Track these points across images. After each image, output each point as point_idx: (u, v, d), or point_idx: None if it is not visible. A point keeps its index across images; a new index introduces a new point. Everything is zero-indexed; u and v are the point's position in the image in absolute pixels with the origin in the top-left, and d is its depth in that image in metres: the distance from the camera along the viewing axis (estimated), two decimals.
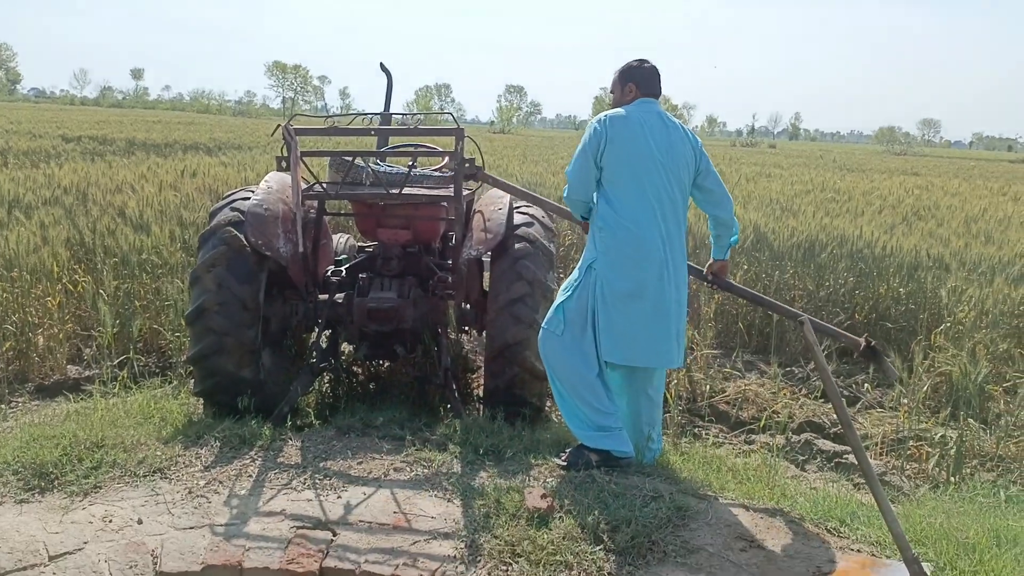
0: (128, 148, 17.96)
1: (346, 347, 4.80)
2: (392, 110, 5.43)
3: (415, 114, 6.03)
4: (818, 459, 4.53)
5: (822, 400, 5.22)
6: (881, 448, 4.54)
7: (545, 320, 3.61)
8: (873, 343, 3.41)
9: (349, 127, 4.63)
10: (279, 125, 4.22)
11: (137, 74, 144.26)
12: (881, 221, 7.73)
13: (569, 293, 3.51)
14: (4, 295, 5.23)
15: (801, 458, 4.53)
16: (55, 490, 3.10)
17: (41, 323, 5.27)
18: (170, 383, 4.76)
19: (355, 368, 4.89)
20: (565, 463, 3.48)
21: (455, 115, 4.83)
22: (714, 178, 3.61)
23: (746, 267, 6.56)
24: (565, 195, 3.65)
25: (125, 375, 4.76)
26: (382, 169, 4.56)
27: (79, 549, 2.72)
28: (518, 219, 4.43)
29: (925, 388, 4.85)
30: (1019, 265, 6.02)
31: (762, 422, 4.73)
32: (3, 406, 4.68)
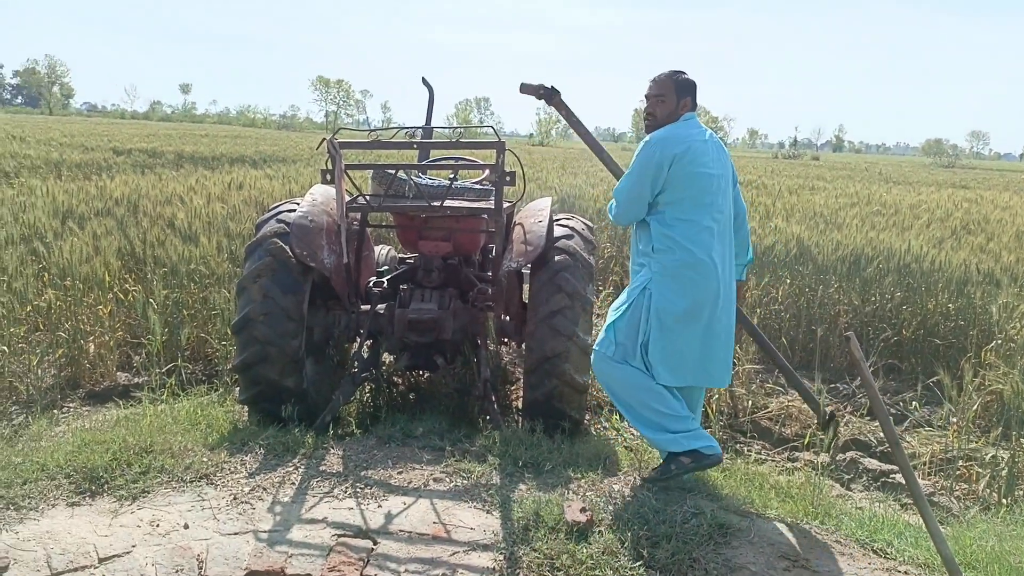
0: (177, 161, 18.41)
1: (387, 358, 4.84)
2: (433, 123, 5.50)
3: (457, 127, 6.08)
4: (864, 478, 4.44)
5: (868, 418, 5.11)
6: (929, 468, 4.43)
7: (596, 342, 3.59)
8: (835, 416, 3.32)
9: (392, 140, 4.68)
10: (324, 139, 4.30)
11: (185, 89, 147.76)
12: (929, 235, 7.56)
13: (620, 313, 3.49)
14: (58, 303, 5.39)
15: (847, 477, 4.44)
16: (105, 494, 3.18)
17: (92, 331, 5.41)
18: (216, 391, 4.85)
19: (396, 379, 4.94)
20: (660, 475, 3.44)
21: (495, 128, 4.86)
22: (739, 193, 3.64)
23: (789, 281, 6.47)
24: (612, 214, 3.65)
25: (173, 382, 4.86)
26: (424, 182, 4.61)
27: (127, 552, 2.79)
28: (558, 231, 4.44)
29: (975, 407, 4.72)
30: None
31: (806, 440, 4.64)
32: (56, 411, 4.81)
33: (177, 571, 2.71)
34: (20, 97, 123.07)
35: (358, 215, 4.70)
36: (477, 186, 4.81)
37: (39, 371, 5.09)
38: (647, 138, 3.49)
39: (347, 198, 4.43)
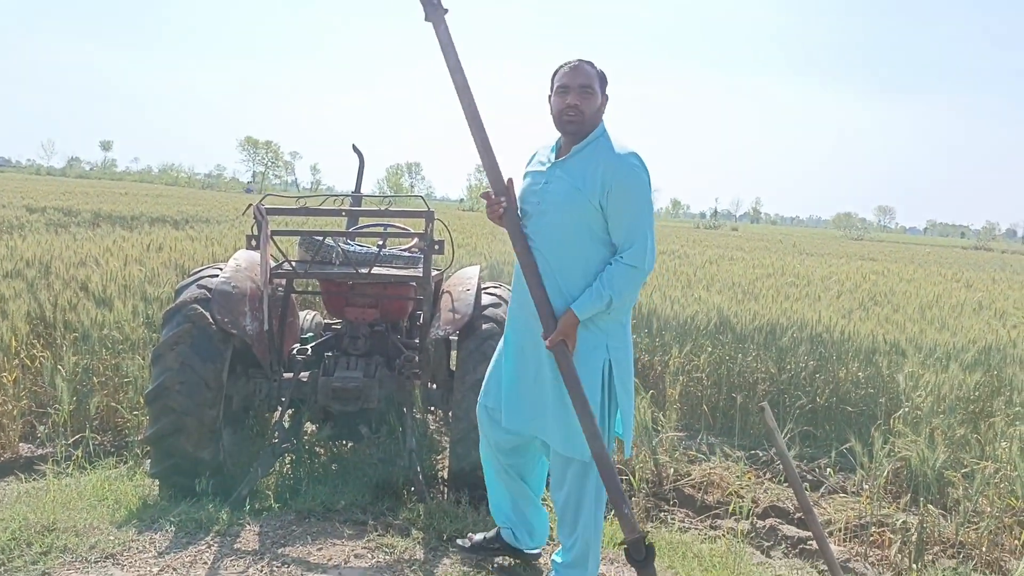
0: (94, 220, 17.85)
1: (309, 427, 4.73)
2: (363, 190, 5.53)
3: (387, 196, 6.12)
4: (783, 545, 4.51)
5: (786, 484, 5.23)
6: (844, 534, 4.55)
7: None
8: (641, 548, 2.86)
9: (320, 207, 4.68)
10: (250, 204, 4.27)
11: (106, 146, 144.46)
12: (839, 306, 7.91)
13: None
14: None
15: (766, 544, 4.51)
16: None
17: None
18: (125, 463, 4.63)
19: (318, 448, 4.81)
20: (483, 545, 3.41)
21: (425, 197, 4.92)
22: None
23: (710, 350, 6.65)
24: (645, 275, 2.98)
25: (80, 454, 4.63)
26: (352, 248, 4.61)
27: None
28: (486, 300, 4.48)
29: (886, 473, 4.89)
30: (972, 351, 6.18)
31: (731, 508, 4.71)
32: None
33: None
34: None
35: (283, 281, 4.65)
36: (405, 253, 4.83)
37: None
38: (637, 162, 2.90)
39: (272, 264, 4.38)
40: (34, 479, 4.28)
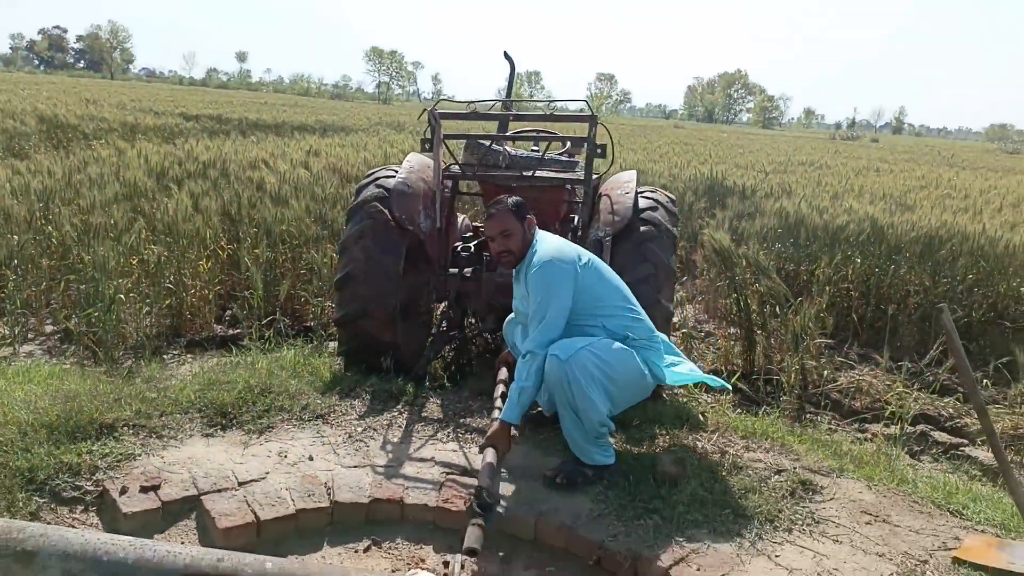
0: (241, 128, 18.90)
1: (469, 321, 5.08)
2: (504, 96, 5.69)
3: (551, 100, 6.27)
4: (933, 450, 4.57)
5: (936, 395, 5.22)
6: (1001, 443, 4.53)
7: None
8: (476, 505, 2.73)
9: (489, 112, 4.89)
10: (425, 109, 4.53)
11: (241, 57, 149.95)
12: (1002, 219, 7.53)
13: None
14: (164, 257, 5.75)
15: (916, 448, 4.57)
16: (234, 427, 3.50)
17: (193, 284, 5.77)
18: (311, 343, 5.16)
19: (479, 339, 5.19)
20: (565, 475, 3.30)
21: (588, 101, 5.03)
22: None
23: (859, 261, 6.54)
24: (538, 357, 3.23)
25: (272, 334, 5.19)
26: (516, 152, 4.82)
27: (263, 478, 3.09)
28: (643, 203, 4.60)
29: None
30: None
31: (887, 411, 4.78)
32: (165, 357, 5.18)
33: (309, 495, 3.00)
34: (83, 61, 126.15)
35: (450, 183, 4.93)
36: (563, 158, 5.00)
37: (147, 320, 5.47)
38: (545, 261, 3.30)
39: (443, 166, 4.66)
40: (241, 353, 4.85)
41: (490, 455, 2.95)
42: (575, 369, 3.08)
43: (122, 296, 5.16)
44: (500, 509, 2.96)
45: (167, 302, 5.57)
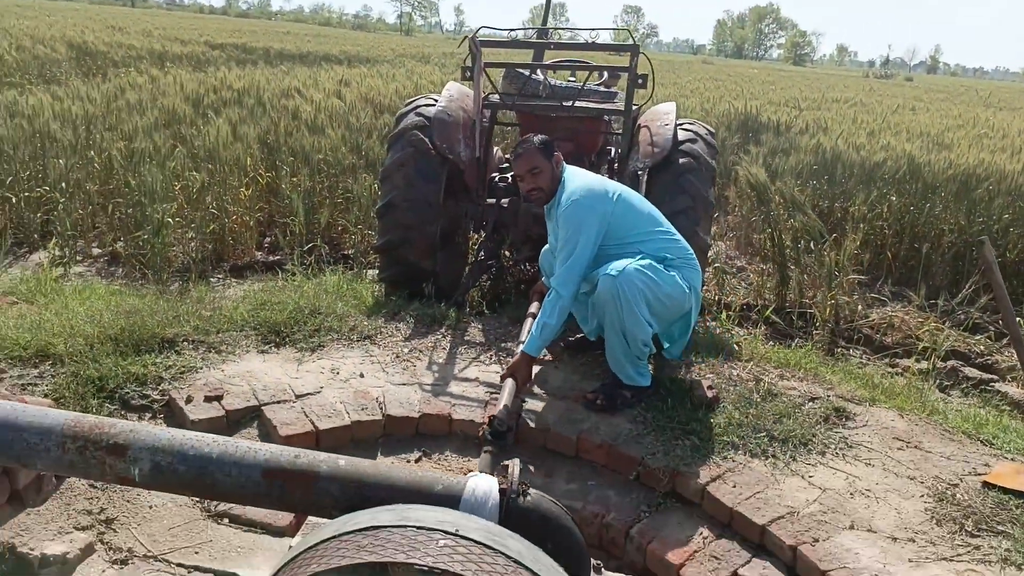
0: (267, 57, 18.77)
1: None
2: (540, 25, 5.64)
3: (594, 28, 6.20)
4: (963, 385, 4.65)
5: (967, 333, 5.27)
6: None
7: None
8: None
9: (529, 40, 4.87)
10: (466, 36, 4.52)
11: None
12: None
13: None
14: (206, 183, 5.85)
15: (946, 384, 4.65)
16: (287, 345, 3.64)
17: (235, 210, 5.88)
18: (351, 269, 5.28)
19: (516, 269, 5.28)
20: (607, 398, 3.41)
21: (630, 29, 4.98)
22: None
23: (895, 199, 6.51)
24: (564, 300, 3.33)
25: (313, 260, 5.31)
26: (556, 83, 4.81)
27: (318, 392, 3.24)
28: (682, 135, 4.60)
29: None
30: None
31: (919, 347, 4.85)
32: (211, 281, 5.33)
33: (363, 409, 3.15)
34: None
35: (489, 112, 4.94)
36: (602, 89, 4.99)
37: (192, 244, 5.61)
38: (576, 198, 3.35)
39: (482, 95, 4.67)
40: (285, 278, 4.98)
41: (508, 386, 3.07)
42: (626, 286, 3.16)
43: (168, 220, 5.28)
44: (511, 437, 3.03)
45: (210, 228, 5.69)
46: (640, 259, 3.27)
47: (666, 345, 3.59)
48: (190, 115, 6.99)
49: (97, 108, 6.91)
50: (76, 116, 6.56)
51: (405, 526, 1.61)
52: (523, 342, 3.35)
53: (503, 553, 1.57)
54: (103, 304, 3.74)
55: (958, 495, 2.79)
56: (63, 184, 5.71)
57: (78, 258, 5.67)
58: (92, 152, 6.18)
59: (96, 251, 5.85)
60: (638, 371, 3.38)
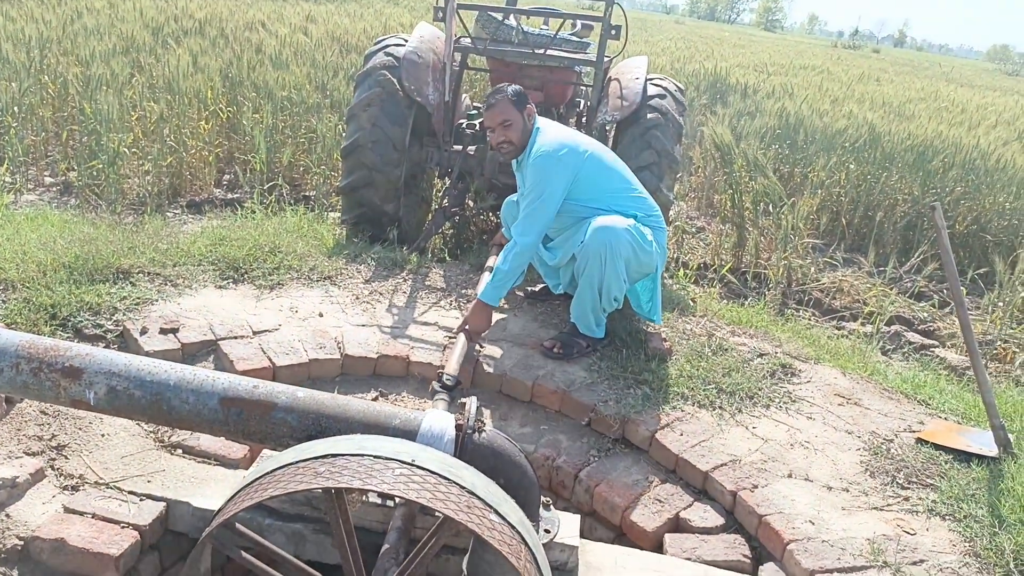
0: None
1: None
2: None
3: None
4: (905, 349, 4.82)
5: (912, 300, 5.44)
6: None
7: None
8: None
9: None
10: None
11: None
12: (996, 135, 7.60)
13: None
14: (164, 113, 5.70)
15: (889, 347, 4.82)
16: (246, 282, 3.61)
17: (194, 144, 5.75)
18: (312, 210, 5.22)
19: (479, 218, 5.27)
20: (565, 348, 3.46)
21: None
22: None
23: (853, 166, 6.63)
24: (523, 248, 3.35)
25: (274, 200, 5.24)
26: (527, 30, 4.76)
27: (276, 329, 3.23)
28: (652, 90, 4.61)
29: (1019, 299, 5.03)
30: None
31: (865, 311, 5.00)
32: (167, 216, 5.23)
33: (321, 347, 3.16)
34: None
35: (460, 56, 4.88)
36: (575, 39, 4.95)
37: (148, 177, 5.48)
38: (544, 151, 3.32)
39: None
40: (243, 216, 4.91)
41: (460, 341, 3.09)
42: (615, 242, 3.21)
43: (125, 150, 5.15)
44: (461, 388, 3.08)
45: (168, 161, 5.56)
46: (625, 218, 3.32)
47: (635, 302, 3.63)
48: (149, 43, 6.77)
49: (52, 31, 6.64)
50: (30, 38, 6.30)
51: (362, 455, 1.64)
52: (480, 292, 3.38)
53: (457, 483, 1.62)
54: (56, 232, 3.66)
55: (892, 449, 2.92)
56: (15, 108, 5.51)
57: (29, 186, 5.51)
58: (46, 77, 5.95)
59: (48, 180, 5.68)
60: (598, 323, 3.44)
